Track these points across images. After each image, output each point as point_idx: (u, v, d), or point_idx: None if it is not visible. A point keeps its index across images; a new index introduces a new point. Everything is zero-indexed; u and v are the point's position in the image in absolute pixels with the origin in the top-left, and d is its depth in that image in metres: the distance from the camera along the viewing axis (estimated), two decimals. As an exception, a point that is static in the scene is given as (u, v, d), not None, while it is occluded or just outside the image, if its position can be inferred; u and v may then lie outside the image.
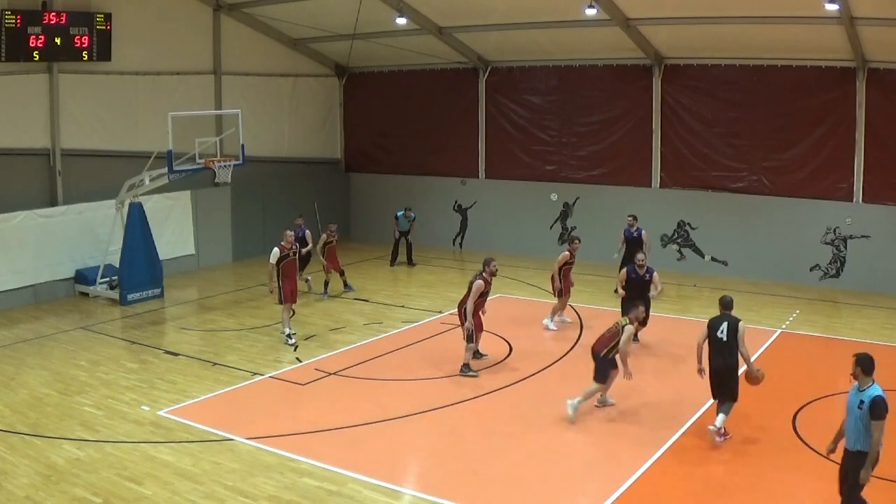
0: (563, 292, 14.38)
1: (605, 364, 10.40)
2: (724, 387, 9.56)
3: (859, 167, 17.44)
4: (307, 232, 16.71)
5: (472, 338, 12.11)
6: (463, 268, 20.73)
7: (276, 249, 13.76)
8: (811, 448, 9.31)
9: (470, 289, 12.14)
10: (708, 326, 9.63)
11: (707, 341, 9.62)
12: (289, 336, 13.87)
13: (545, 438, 9.87)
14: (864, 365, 7.17)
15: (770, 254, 18.39)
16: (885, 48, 16.24)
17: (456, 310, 12.74)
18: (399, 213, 20.45)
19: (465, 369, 12.15)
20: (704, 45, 18.07)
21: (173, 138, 15.58)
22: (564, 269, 14.37)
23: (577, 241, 14.60)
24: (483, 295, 12.25)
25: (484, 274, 12.26)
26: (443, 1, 18.49)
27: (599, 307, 16.10)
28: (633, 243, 16.07)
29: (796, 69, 17.76)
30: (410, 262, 20.44)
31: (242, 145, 17.14)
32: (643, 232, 16.43)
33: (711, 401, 10.82)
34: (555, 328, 14.44)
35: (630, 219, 16.67)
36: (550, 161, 21.16)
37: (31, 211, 16.81)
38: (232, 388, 11.68)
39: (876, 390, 7.04)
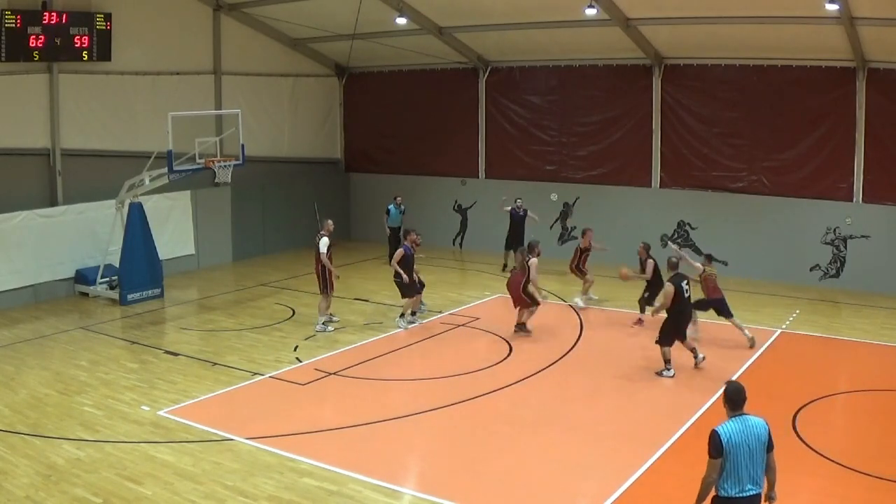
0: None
1: None
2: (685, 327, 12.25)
3: (859, 167, 17.44)
4: None
5: (536, 302, 13.98)
6: (463, 268, 20.73)
7: (325, 238, 14.43)
8: (811, 448, 9.32)
9: (527, 268, 13.76)
10: (675, 285, 11.88)
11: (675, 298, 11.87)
12: (326, 322, 14.57)
13: (545, 438, 9.87)
14: (727, 396, 6.12)
15: (770, 254, 18.40)
16: (885, 48, 16.24)
17: (507, 290, 14.45)
18: (390, 206, 20.44)
19: (521, 328, 14.14)
20: (704, 45, 18.06)
21: (173, 138, 15.58)
22: (583, 258, 16.27)
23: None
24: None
25: (533, 256, 13.91)
26: (443, 1, 18.50)
27: (599, 307, 16.14)
28: (521, 222, 19.23)
29: (796, 69, 17.76)
30: None
31: (242, 145, 17.14)
32: (528, 212, 19.38)
33: (711, 400, 10.85)
34: (584, 305, 16.12)
35: (519, 200, 19.51)
36: (550, 161, 21.16)
37: (31, 211, 16.81)
38: (232, 388, 11.68)
39: (721, 425, 5.99)
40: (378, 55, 21.95)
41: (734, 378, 11.77)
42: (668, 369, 11.99)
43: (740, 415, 6.03)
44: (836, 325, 15.09)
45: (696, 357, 12.19)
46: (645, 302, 14.71)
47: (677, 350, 12.19)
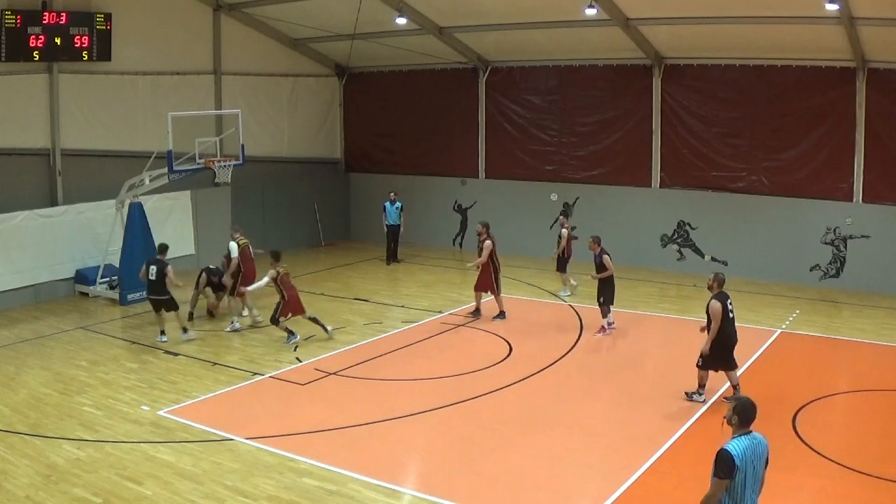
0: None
1: None
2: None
3: (859, 167, 17.43)
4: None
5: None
6: (463, 268, 20.71)
7: (233, 243, 15.17)
8: (811, 448, 9.32)
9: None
10: (723, 304, 10.52)
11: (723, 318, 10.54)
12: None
13: (545, 438, 9.87)
14: (741, 411, 5.80)
15: (770, 254, 18.39)
16: (885, 48, 16.24)
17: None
18: (386, 204, 20.56)
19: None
20: (704, 45, 18.06)
21: (173, 138, 15.59)
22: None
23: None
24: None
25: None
26: (443, 1, 18.50)
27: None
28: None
29: (796, 69, 17.75)
30: (395, 259, 20.56)
31: (242, 145, 17.15)
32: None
33: (712, 401, 10.84)
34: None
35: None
36: (550, 161, 21.16)
37: (31, 211, 16.81)
38: (232, 388, 11.68)
39: (731, 443, 5.70)
40: (378, 55, 21.96)
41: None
42: (700, 393, 10.86)
43: (749, 432, 5.80)
44: (836, 325, 15.09)
45: (736, 391, 10.54)
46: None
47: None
